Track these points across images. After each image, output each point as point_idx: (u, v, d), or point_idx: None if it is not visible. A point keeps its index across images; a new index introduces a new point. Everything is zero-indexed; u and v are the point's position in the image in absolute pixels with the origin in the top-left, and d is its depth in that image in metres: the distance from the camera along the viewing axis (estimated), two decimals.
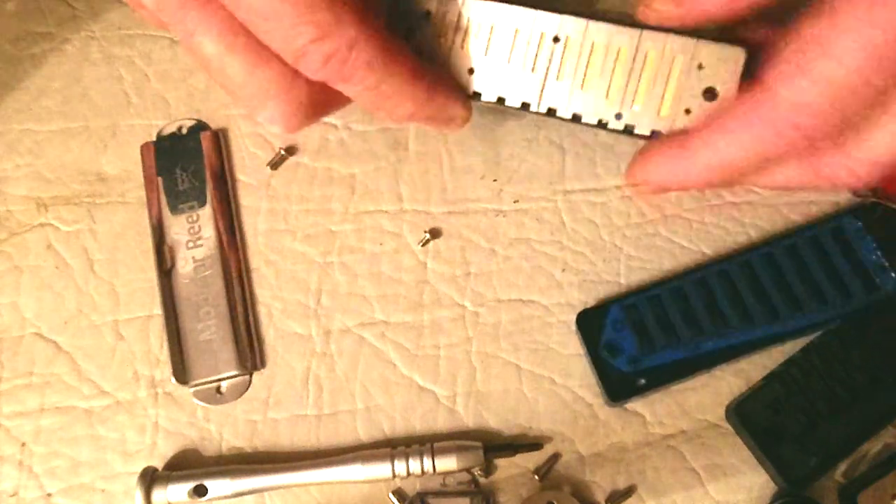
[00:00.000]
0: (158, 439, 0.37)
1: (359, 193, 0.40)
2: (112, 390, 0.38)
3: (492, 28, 0.33)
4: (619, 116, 0.32)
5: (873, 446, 0.35)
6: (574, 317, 0.37)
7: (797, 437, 0.34)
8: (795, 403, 0.35)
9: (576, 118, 0.33)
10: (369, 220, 0.40)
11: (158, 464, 0.37)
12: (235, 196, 0.41)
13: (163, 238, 0.40)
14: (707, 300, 0.37)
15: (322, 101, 0.31)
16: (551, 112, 0.33)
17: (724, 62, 0.31)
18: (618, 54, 0.32)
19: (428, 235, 0.39)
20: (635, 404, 0.37)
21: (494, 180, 0.40)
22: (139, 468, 0.36)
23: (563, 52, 0.32)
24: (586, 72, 0.32)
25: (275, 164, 0.41)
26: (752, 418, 0.35)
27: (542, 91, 0.33)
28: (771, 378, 0.36)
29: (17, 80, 0.42)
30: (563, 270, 0.39)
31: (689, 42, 0.31)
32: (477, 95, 0.33)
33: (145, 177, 0.41)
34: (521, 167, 0.40)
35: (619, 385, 0.36)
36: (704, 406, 0.37)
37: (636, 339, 0.36)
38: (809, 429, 0.34)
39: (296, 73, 0.29)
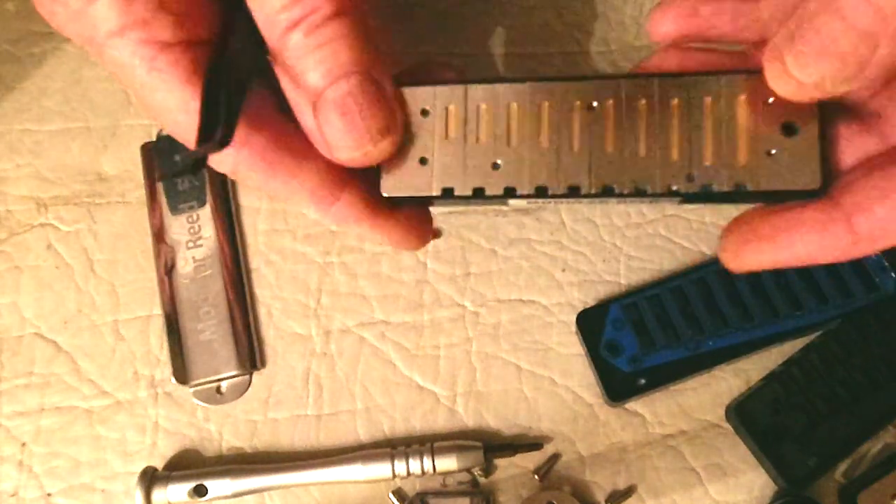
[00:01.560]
0: (158, 439, 0.37)
1: None
2: (112, 390, 0.38)
3: (510, 110, 0.27)
4: (690, 178, 0.26)
5: (873, 446, 0.35)
6: (574, 317, 0.37)
7: (797, 437, 0.34)
8: (795, 403, 0.35)
9: (639, 192, 0.27)
10: None
11: (158, 464, 0.37)
12: (235, 196, 0.41)
13: (163, 238, 0.40)
14: (707, 300, 0.37)
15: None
16: (607, 191, 0.27)
17: None
18: (668, 108, 0.27)
19: None
20: (635, 404, 0.37)
21: None
22: (139, 468, 0.36)
23: (604, 120, 0.27)
24: (637, 136, 0.27)
25: None
26: (752, 418, 0.35)
27: (589, 170, 0.27)
28: (771, 378, 0.36)
29: (17, 80, 0.42)
30: (563, 270, 0.39)
31: (750, 77, 0.26)
32: (510, 191, 0.27)
33: (145, 177, 0.41)
34: None
35: (619, 385, 0.36)
36: (704, 406, 0.37)
37: (636, 338, 0.36)
38: (809, 429, 0.34)
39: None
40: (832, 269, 0.36)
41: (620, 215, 0.39)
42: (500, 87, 0.27)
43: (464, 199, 0.28)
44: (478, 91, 0.27)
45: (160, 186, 0.40)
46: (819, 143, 0.26)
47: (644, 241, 0.39)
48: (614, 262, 0.39)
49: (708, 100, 0.27)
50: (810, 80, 0.23)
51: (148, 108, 0.28)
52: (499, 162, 0.27)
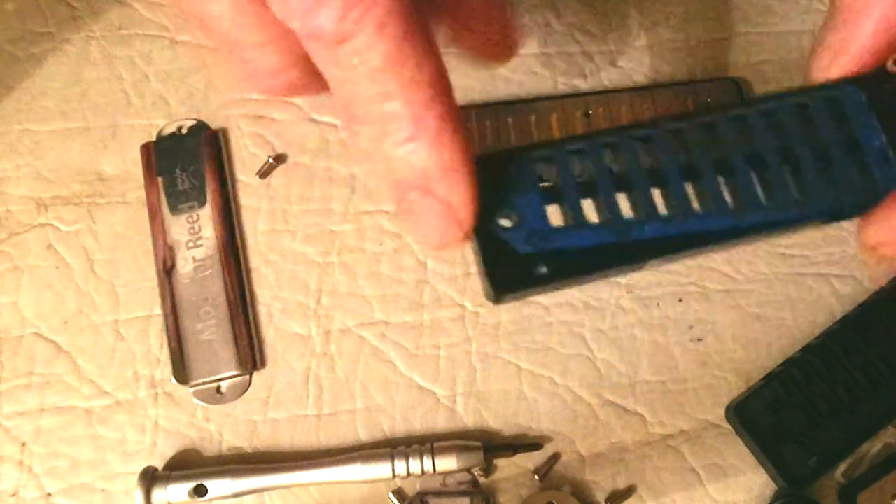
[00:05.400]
0: (158, 439, 0.37)
1: (359, 193, 0.40)
2: (112, 390, 0.38)
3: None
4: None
5: (873, 446, 0.35)
6: (574, 317, 0.37)
7: (797, 437, 0.34)
8: (795, 403, 0.35)
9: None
10: (369, 220, 0.40)
11: (158, 464, 0.37)
12: (235, 196, 0.41)
13: (163, 238, 0.40)
14: (651, 170, 0.24)
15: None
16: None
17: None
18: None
19: None
20: (635, 404, 0.37)
21: None
22: (139, 468, 0.36)
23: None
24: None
25: (264, 174, 0.40)
26: (752, 418, 0.35)
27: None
28: (771, 378, 0.36)
29: (17, 80, 0.42)
30: None
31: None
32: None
33: (145, 177, 0.41)
34: None
35: (509, 271, 0.23)
36: (704, 406, 0.37)
37: (543, 207, 0.23)
38: (809, 429, 0.34)
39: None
40: (820, 151, 0.24)
41: None
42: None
43: None
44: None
45: (160, 186, 0.40)
46: None
47: None
48: None
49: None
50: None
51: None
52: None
